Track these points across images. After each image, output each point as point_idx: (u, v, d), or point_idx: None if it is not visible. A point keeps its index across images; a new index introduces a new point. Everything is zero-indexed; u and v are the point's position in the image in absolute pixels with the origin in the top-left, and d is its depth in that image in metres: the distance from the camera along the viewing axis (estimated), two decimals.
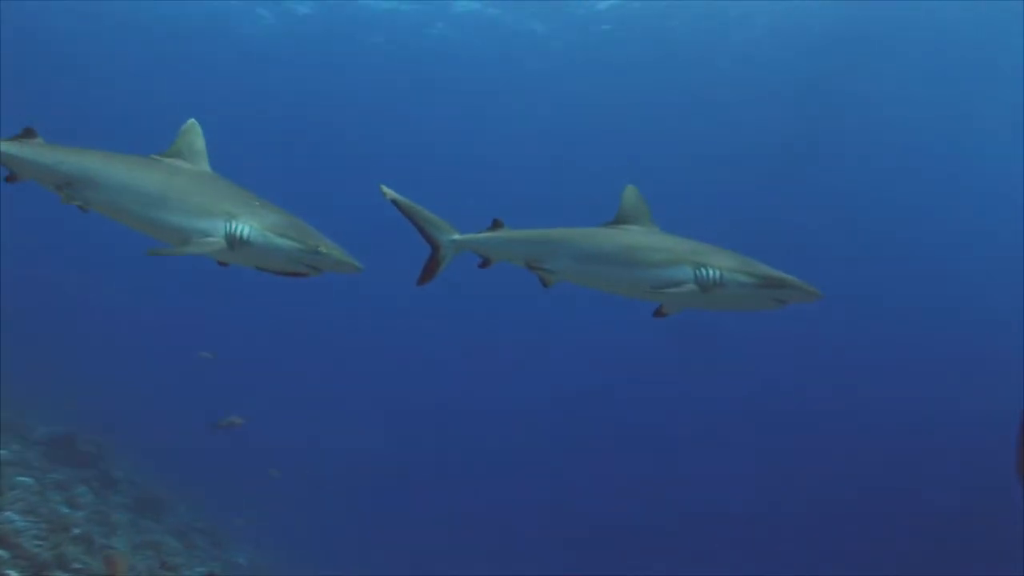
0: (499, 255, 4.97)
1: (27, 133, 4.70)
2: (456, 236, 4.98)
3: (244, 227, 4.17)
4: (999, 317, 19.29)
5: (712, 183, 22.16)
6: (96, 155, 4.59)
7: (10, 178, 4.65)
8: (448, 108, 24.56)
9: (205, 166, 4.65)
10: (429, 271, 5.02)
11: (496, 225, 5.02)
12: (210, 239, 4.18)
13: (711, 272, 4.35)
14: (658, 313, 4.78)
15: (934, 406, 16.71)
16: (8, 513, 6.63)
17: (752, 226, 17.47)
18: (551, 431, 19.34)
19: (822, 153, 21.97)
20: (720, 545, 14.09)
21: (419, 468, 17.93)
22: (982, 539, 12.07)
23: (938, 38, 18.85)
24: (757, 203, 21.72)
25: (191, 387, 16.10)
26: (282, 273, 4.32)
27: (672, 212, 5.20)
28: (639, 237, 4.71)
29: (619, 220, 4.87)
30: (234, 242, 4.16)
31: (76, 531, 6.95)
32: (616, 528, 14.95)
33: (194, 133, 4.69)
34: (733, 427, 17.55)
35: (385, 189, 4.98)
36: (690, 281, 4.37)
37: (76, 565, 6.16)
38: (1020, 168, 21.06)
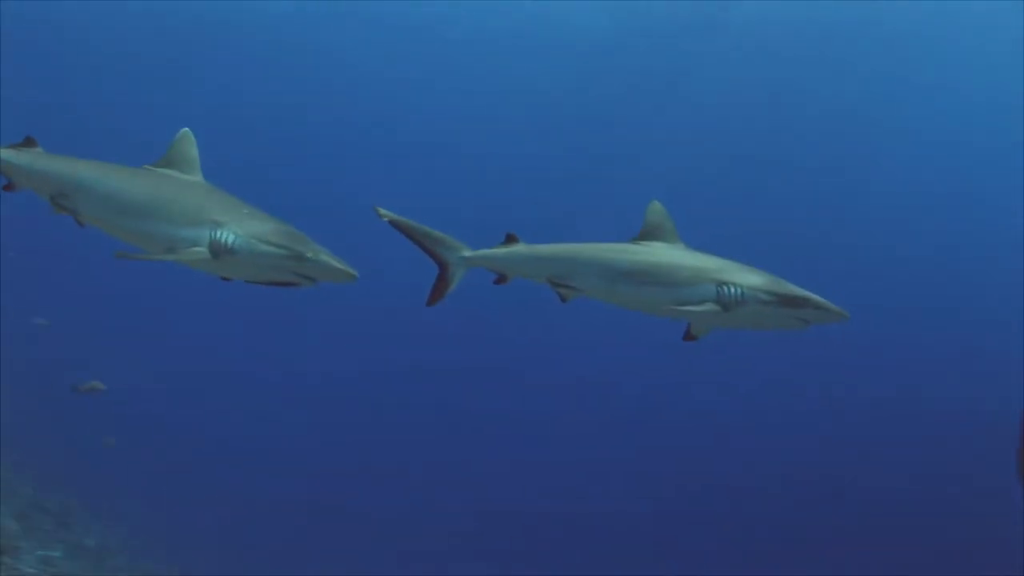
0: (517, 271, 4.84)
1: (28, 142, 4.68)
2: (466, 253, 4.83)
3: (228, 235, 4.06)
4: (998, 317, 19.31)
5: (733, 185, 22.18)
6: (89, 165, 4.58)
7: (8, 187, 4.64)
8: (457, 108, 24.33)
9: (198, 176, 4.58)
10: (438, 291, 4.85)
11: (510, 240, 4.86)
12: (193, 248, 4.09)
13: (733, 290, 4.31)
14: (687, 337, 4.73)
15: (933, 406, 16.72)
16: None
17: (750, 226, 17.49)
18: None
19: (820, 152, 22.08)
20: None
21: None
22: (979, 540, 12.10)
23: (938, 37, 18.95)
24: (756, 202, 21.74)
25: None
26: (273, 284, 4.20)
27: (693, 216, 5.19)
28: (663, 254, 4.63)
29: (643, 236, 4.76)
30: (218, 250, 4.05)
31: None
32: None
33: (187, 142, 4.62)
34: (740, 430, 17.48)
35: (381, 211, 4.83)
36: (711, 299, 4.33)
37: None
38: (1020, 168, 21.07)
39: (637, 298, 4.61)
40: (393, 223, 4.84)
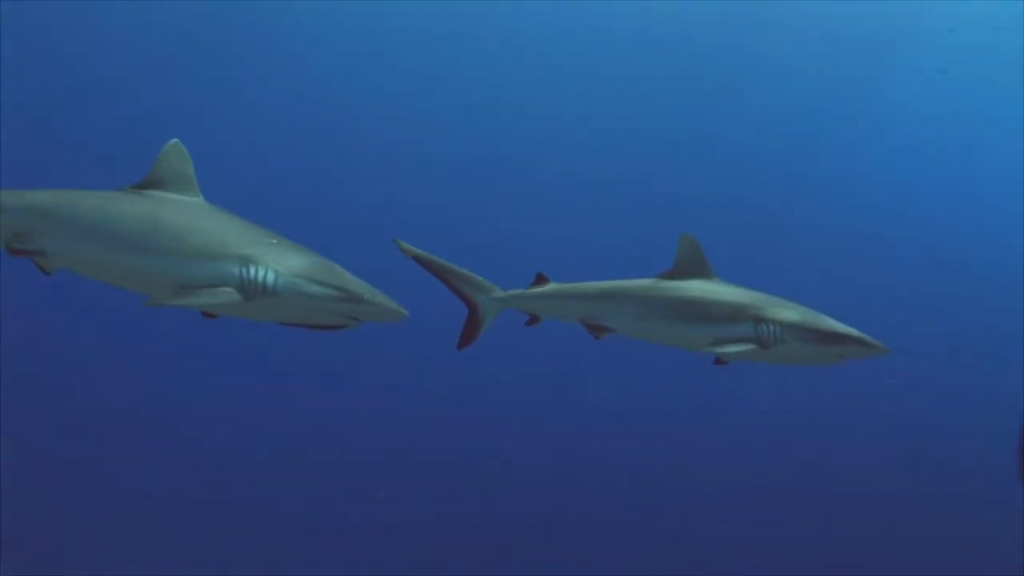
0: (550, 313, 4.79)
1: None
2: (498, 295, 4.75)
3: (266, 272, 3.35)
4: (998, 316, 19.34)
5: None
6: (54, 192, 3.69)
7: None
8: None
9: (197, 197, 3.76)
10: (469, 333, 4.75)
11: (541, 280, 4.80)
12: (221, 289, 3.32)
13: (771, 328, 4.31)
14: (718, 361, 4.67)
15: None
16: None
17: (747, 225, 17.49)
18: None
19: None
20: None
21: None
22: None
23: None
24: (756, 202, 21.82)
25: None
26: (312, 327, 3.59)
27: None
28: (698, 291, 4.56)
29: (676, 271, 4.67)
30: (254, 291, 3.34)
31: None
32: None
33: (178, 156, 3.79)
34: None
35: (403, 245, 4.62)
36: (750, 338, 4.33)
37: None
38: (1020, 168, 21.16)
39: (673, 337, 4.60)
40: (418, 260, 4.64)
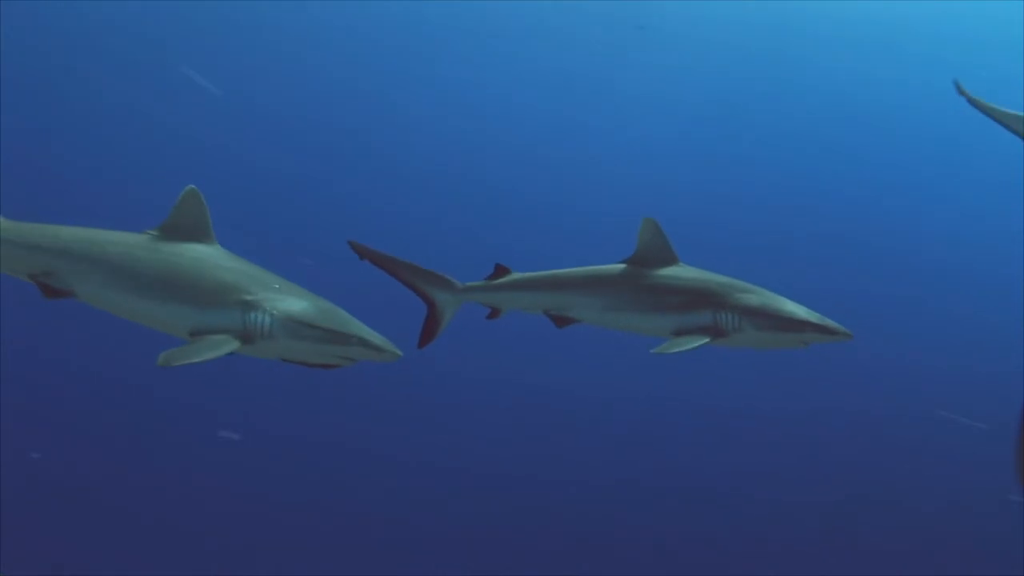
0: (511, 304, 4.70)
1: None
2: (456, 288, 4.66)
3: (264, 317, 3.60)
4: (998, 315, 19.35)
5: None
6: (78, 234, 3.94)
7: None
8: None
9: (212, 242, 3.99)
10: (429, 330, 4.67)
11: (500, 271, 4.72)
12: (220, 339, 3.56)
13: (730, 317, 4.28)
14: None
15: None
16: None
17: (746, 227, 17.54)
18: None
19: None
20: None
21: None
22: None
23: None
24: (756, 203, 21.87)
25: None
26: (310, 365, 3.83)
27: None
28: (659, 279, 4.53)
29: (638, 257, 4.62)
30: (253, 335, 3.58)
31: None
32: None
33: (194, 202, 3.99)
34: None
35: (356, 245, 4.58)
36: (709, 326, 4.30)
37: None
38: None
39: (635, 326, 4.57)
40: (372, 259, 4.60)
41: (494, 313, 4.72)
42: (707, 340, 4.24)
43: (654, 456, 16.18)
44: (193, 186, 4.01)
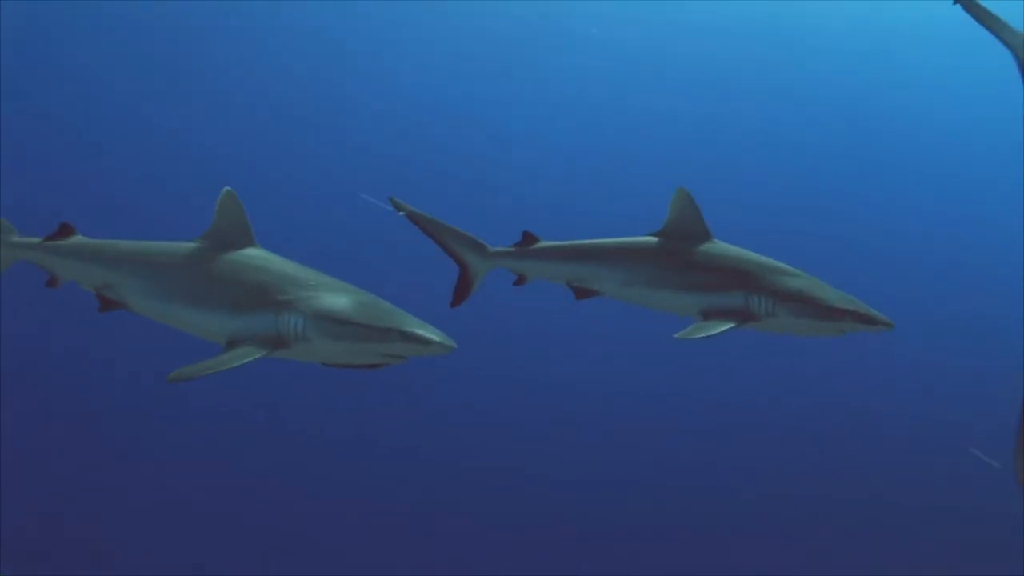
0: (537, 273, 4.62)
1: (64, 230, 4.16)
2: (487, 252, 4.61)
3: (296, 318, 3.40)
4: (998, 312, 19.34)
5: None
6: (131, 247, 4.04)
7: (50, 283, 4.15)
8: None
9: (251, 243, 3.90)
10: (461, 292, 4.63)
11: (528, 239, 4.63)
12: (246, 349, 3.36)
13: (763, 301, 4.04)
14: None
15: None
16: None
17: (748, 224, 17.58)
18: None
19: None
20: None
21: None
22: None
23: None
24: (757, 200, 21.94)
25: None
26: (358, 367, 3.57)
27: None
28: (689, 255, 4.28)
29: (669, 228, 4.41)
30: (287, 339, 3.38)
31: None
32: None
33: (232, 205, 3.92)
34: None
35: (398, 203, 4.51)
36: (740, 310, 4.05)
37: None
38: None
39: (659, 304, 4.36)
40: (412, 218, 4.54)
41: (520, 280, 4.66)
42: (735, 324, 3.99)
43: (670, 452, 16.18)
44: (229, 189, 3.94)
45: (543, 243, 4.61)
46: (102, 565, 11.11)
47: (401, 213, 4.51)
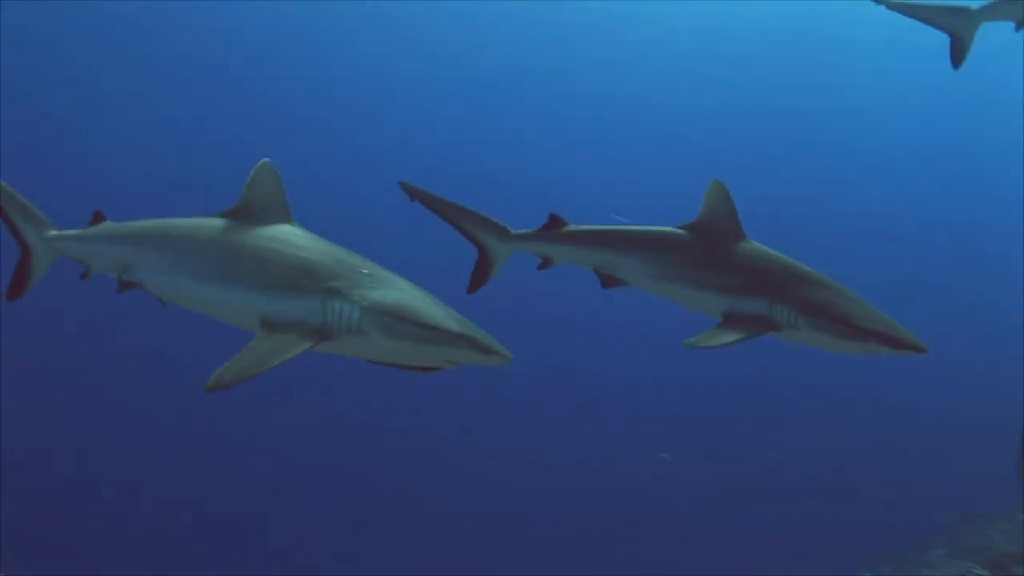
0: (563, 257, 4.44)
1: (97, 218, 3.89)
2: (508, 235, 4.40)
3: (350, 309, 3.02)
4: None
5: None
6: (149, 224, 3.72)
7: (85, 275, 3.83)
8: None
9: (290, 221, 3.49)
10: (479, 277, 4.42)
11: (555, 222, 4.44)
12: (287, 339, 2.98)
13: (786, 310, 3.83)
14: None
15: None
16: None
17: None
18: None
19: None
20: None
21: None
22: None
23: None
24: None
25: None
26: (403, 367, 3.24)
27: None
28: (717, 251, 4.08)
29: (701, 223, 4.18)
30: (335, 330, 3.01)
31: None
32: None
33: (270, 177, 3.53)
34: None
35: (408, 186, 4.25)
36: (762, 318, 3.85)
37: None
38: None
39: (682, 299, 4.19)
40: (424, 202, 4.24)
41: (545, 263, 4.47)
42: (751, 335, 3.80)
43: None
44: (267, 160, 3.53)
45: (571, 227, 4.43)
46: (102, 565, 11.15)
47: (413, 200, 4.23)
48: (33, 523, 11.21)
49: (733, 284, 3.95)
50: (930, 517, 10.76)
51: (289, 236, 3.37)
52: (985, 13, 4.96)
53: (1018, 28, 4.76)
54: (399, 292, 3.10)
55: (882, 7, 4.97)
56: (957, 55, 5.13)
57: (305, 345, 2.95)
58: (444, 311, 3.11)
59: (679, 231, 4.23)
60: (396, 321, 2.99)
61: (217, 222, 3.51)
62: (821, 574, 10.63)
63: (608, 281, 4.32)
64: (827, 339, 3.79)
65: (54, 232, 3.91)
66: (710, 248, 4.10)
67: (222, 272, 3.30)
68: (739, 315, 3.88)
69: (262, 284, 3.17)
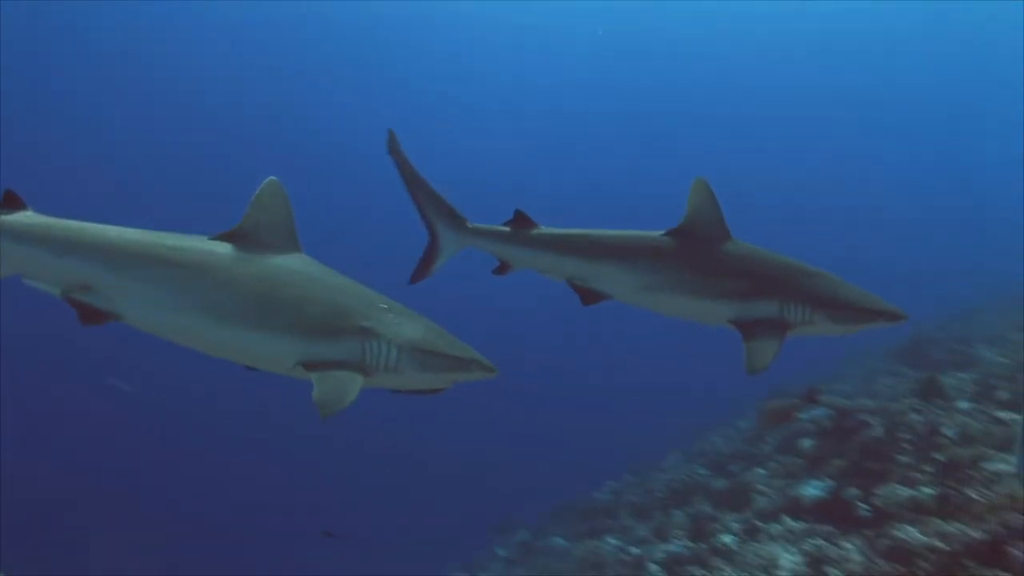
0: (526, 263, 3.93)
1: (8, 200, 3.08)
2: (464, 227, 3.92)
3: (388, 348, 3.00)
4: None
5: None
6: (129, 237, 3.05)
7: None
8: None
9: (299, 249, 3.23)
10: (423, 267, 3.96)
11: (520, 221, 3.92)
12: (345, 379, 2.89)
13: (799, 307, 3.71)
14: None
15: None
16: None
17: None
18: None
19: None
20: None
21: None
22: None
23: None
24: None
25: None
26: (411, 392, 3.26)
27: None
28: (714, 256, 3.80)
29: (687, 223, 3.84)
30: (375, 368, 2.99)
31: None
32: None
33: (276, 198, 3.21)
34: None
35: (394, 139, 3.85)
36: (775, 318, 3.68)
37: None
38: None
39: (682, 311, 3.90)
40: (398, 165, 3.90)
41: (502, 268, 3.96)
42: (780, 329, 3.64)
43: None
44: (274, 178, 3.20)
45: (540, 228, 3.93)
46: (101, 565, 11.05)
47: (391, 155, 3.86)
48: (33, 523, 11.24)
49: (738, 289, 3.72)
50: (671, 431, 12.20)
51: (309, 270, 3.18)
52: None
53: None
54: (419, 325, 3.12)
55: None
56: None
57: (355, 388, 2.89)
58: (455, 340, 3.17)
59: (665, 236, 3.88)
60: (427, 356, 3.05)
61: (223, 248, 3.10)
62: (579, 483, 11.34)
63: (588, 296, 3.86)
64: (840, 327, 3.75)
65: None
66: (704, 252, 3.80)
67: (250, 312, 2.97)
68: (749, 321, 3.68)
69: (300, 325, 2.98)
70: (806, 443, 7.59)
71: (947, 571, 4.17)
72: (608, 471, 11.29)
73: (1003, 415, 6.47)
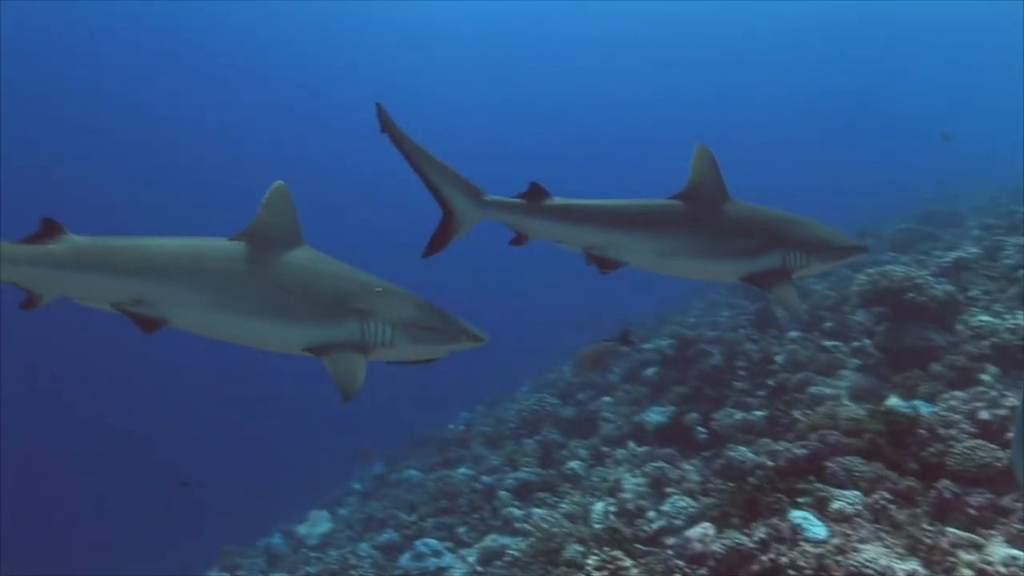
0: (544, 233, 3.93)
1: (49, 228, 3.25)
2: (484, 200, 3.84)
3: (383, 327, 3.37)
4: None
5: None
6: (168, 249, 3.34)
7: (28, 303, 3.28)
8: None
9: (301, 244, 3.50)
10: (438, 240, 3.86)
11: (536, 192, 3.91)
12: (344, 354, 3.30)
13: (797, 255, 3.98)
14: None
15: None
16: None
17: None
18: None
19: None
20: None
21: None
22: None
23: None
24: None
25: None
26: (407, 363, 3.55)
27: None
28: (722, 217, 3.96)
29: (691, 190, 3.97)
30: (372, 346, 3.36)
31: None
32: None
33: (283, 201, 3.46)
34: None
35: (384, 115, 3.70)
36: (779, 268, 3.96)
37: None
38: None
39: (696, 272, 4.12)
40: (396, 141, 3.73)
41: (519, 239, 3.96)
42: (788, 277, 3.95)
43: None
44: (281, 182, 3.48)
45: (556, 199, 3.91)
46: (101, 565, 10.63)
47: (384, 131, 3.69)
48: (33, 523, 11.34)
49: (748, 246, 3.94)
50: (524, 362, 12.43)
51: (314, 262, 3.49)
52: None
53: None
54: (412, 304, 3.44)
55: None
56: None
57: (358, 364, 3.29)
58: (447, 314, 3.49)
59: (676, 202, 3.98)
60: (419, 331, 3.41)
61: (244, 249, 3.40)
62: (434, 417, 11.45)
63: (605, 264, 3.92)
64: (828, 265, 4.15)
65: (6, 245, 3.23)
66: (713, 215, 3.96)
67: (267, 305, 3.34)
68: (760, 273, 3.96)
69: (307, 313, 3.35)
70: (650, 372, 8.05)
71: (772, 485, 4.49)
72: (463, 404, 11.48)
73: (828, 343, 7.02)
